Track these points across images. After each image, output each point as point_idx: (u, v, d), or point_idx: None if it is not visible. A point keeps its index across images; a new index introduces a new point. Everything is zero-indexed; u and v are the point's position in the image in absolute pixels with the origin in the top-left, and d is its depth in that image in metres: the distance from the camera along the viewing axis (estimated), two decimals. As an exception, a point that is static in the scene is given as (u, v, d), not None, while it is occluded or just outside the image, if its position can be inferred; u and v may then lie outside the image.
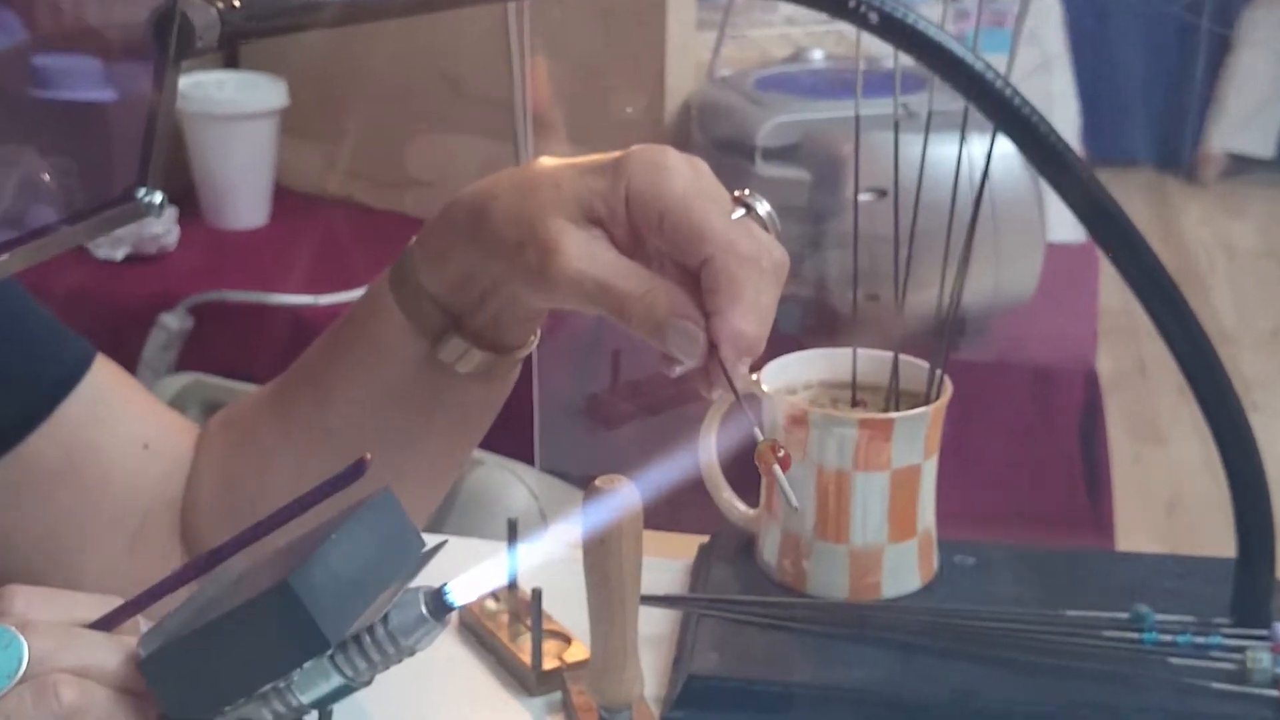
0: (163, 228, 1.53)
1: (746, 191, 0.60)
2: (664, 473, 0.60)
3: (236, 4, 0.58)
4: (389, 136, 1.57)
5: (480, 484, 1.23)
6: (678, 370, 0.58)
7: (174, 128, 1.51)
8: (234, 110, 1.58)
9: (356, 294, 0.70)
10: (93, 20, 0.60)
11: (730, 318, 0.56)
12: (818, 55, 1.50)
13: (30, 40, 0.59)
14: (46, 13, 0.59)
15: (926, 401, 0.81)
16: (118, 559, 0.70)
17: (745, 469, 0.89)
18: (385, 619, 0.48)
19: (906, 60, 0.70)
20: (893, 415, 0.80)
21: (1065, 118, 1.61)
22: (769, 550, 0.83)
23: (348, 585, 0.47)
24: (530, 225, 0.59)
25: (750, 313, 0.56)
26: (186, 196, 1.59)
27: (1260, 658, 0.73)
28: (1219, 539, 0.80)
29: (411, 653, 0.49)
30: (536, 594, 0.76)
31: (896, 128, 0.81)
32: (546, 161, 0.61)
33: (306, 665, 0.47)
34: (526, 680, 0.77)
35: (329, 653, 0.48)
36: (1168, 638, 0.75)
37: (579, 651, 0.77)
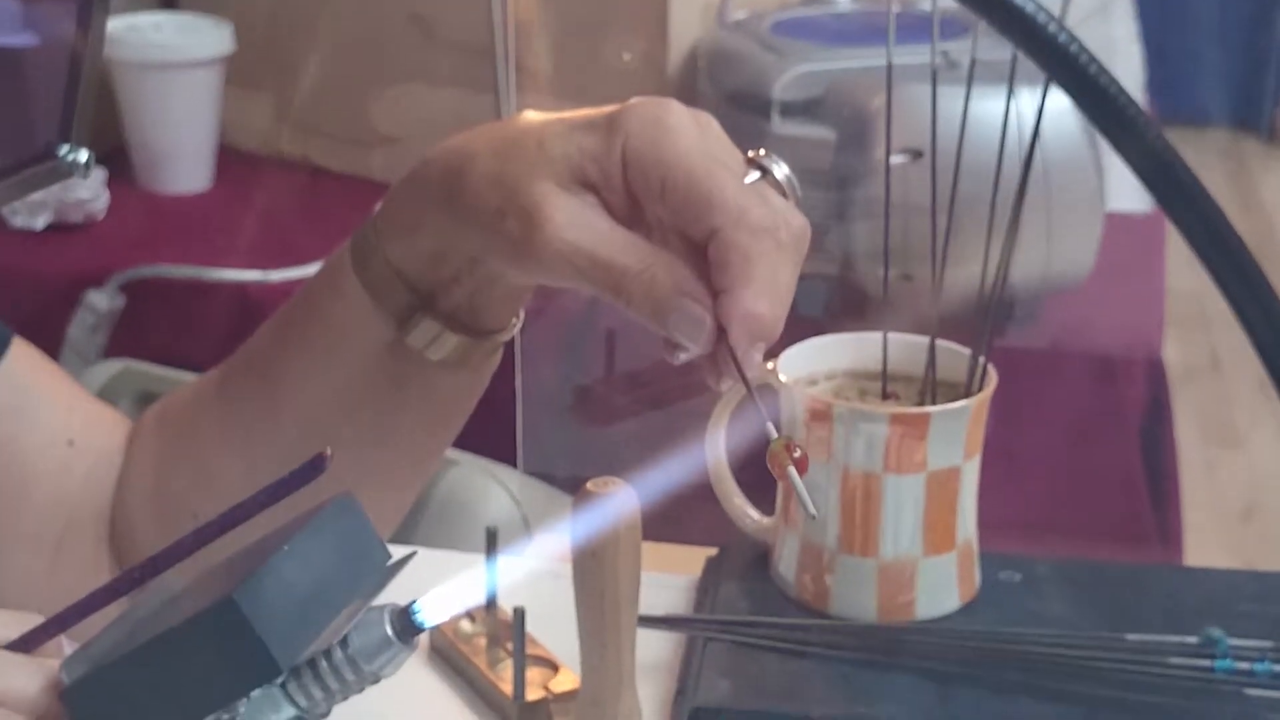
0: (89, 192, 1.53)
1: (761, 152, 0.59)
2: (666, 475, 0.60)
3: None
4: (350, 88, 1.57)
5: (455, 488, 1.23)
6: (682, 358, 0.58)
7: (103, 77, 1.51)
8: (172, 57, 1.58)
9: (312, 269, 0.70)
10: (7, -50, 0.60)
11: (741, 297, 0.55)
12: (844, -4, 1.50)
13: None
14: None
15: (967, 394, 0.81)
16: (37, 571, 0.70)
17: (759, 471, 0.89)
18: (344, 641, 0.48)
19: (946, 2, 0.70)
20: (929, 409, 0.80)
21: (1127, 69, 1.61)
22: (786, 564, 0.83)
23: (302, 602, 0.47)
24: (512, 190, 0.58)
25: (765, 292, 0.56)
26: (117, 157, 1.59)
27: (1349, 689, 0.73)
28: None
29: (375, 680, 0.49)
30: (519, 614, 0.76)
31: (935, 79, 0.81)
32: (531, 116, 0.60)
33: (254, 694, 0.47)
34: (507, 713, 0.77)
35: (280, 680, 0.47)
36: (1243, 665, 0.75)
37: (567, 680, 0.77)
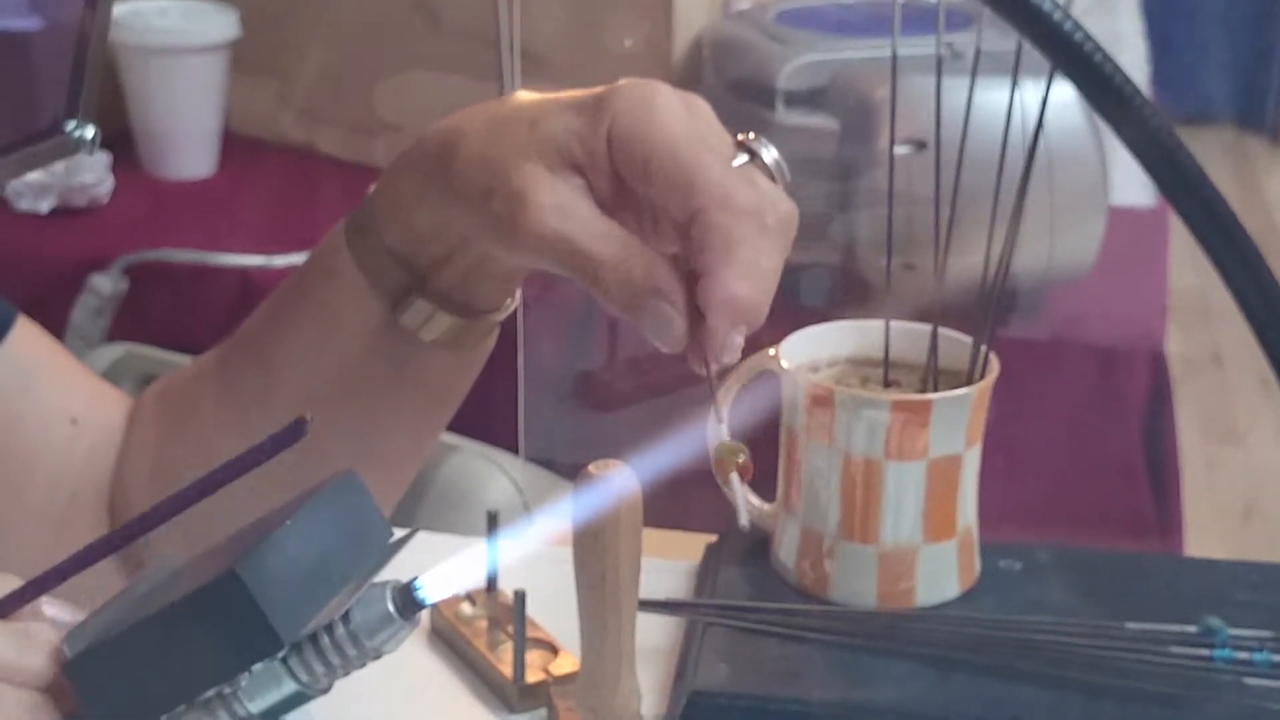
0: (94, 176, 1.53)
1: (751, 136, 0.59)
2: (667, 459, 0.60)
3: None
4: (355, 75, 1.57)
5: (456, 474, 1.23)
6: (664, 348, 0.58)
7: (108, 62, 1.51)
8: (177, 42, 1.58)
9: (316, 253, 0.70)
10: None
11: (722, 279, 0.55)
12: (850, -14, 1.49)
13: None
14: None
15: (969, 382, 0.82)
16: (41, 546, 0.70)
17: (761, 456, 0.89)
18: (346, 617, 0.48)
19: (951, -10, 0.70)
20: (930, 396, 0.80)
21: (1132, 63, 1.61)
22: (786, 551, 0.84)
23: (304, 577, 0.47)
24: (499, 170, 0.58)
25: (746, 275, 0.55)
26: (122, 142, 1.59)
27: (1347, 679, 0.73)
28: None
29: (376, 655, 0.49)
30: (519, 596, 0.76)
31: (939, 70, 0.81)
32: (524, 96, 0.60)
33: (256, 668, 0.47)
34: (507, 695, 0.77)
35: (281, 654, 0.48)
36: (1242, 655, 0.75)
37: (567, 663, 0.77)
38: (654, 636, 0.81)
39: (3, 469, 0.70)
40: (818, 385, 0.81)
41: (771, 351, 0.82)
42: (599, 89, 0.59)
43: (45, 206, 1.52)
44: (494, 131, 0.59)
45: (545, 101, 0.59)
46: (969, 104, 0.81)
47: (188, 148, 1.61)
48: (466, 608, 0.82)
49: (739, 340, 0.56)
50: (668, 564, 0.85)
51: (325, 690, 0.49)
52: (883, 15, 1.33)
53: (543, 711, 0.77)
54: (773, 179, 0.58)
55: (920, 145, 1.12)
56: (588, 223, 0.57)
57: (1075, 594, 0.82)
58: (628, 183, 0.58)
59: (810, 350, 0.84)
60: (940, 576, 0.82)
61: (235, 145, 1.63)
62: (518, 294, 0.67)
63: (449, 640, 0.82)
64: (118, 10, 1.57)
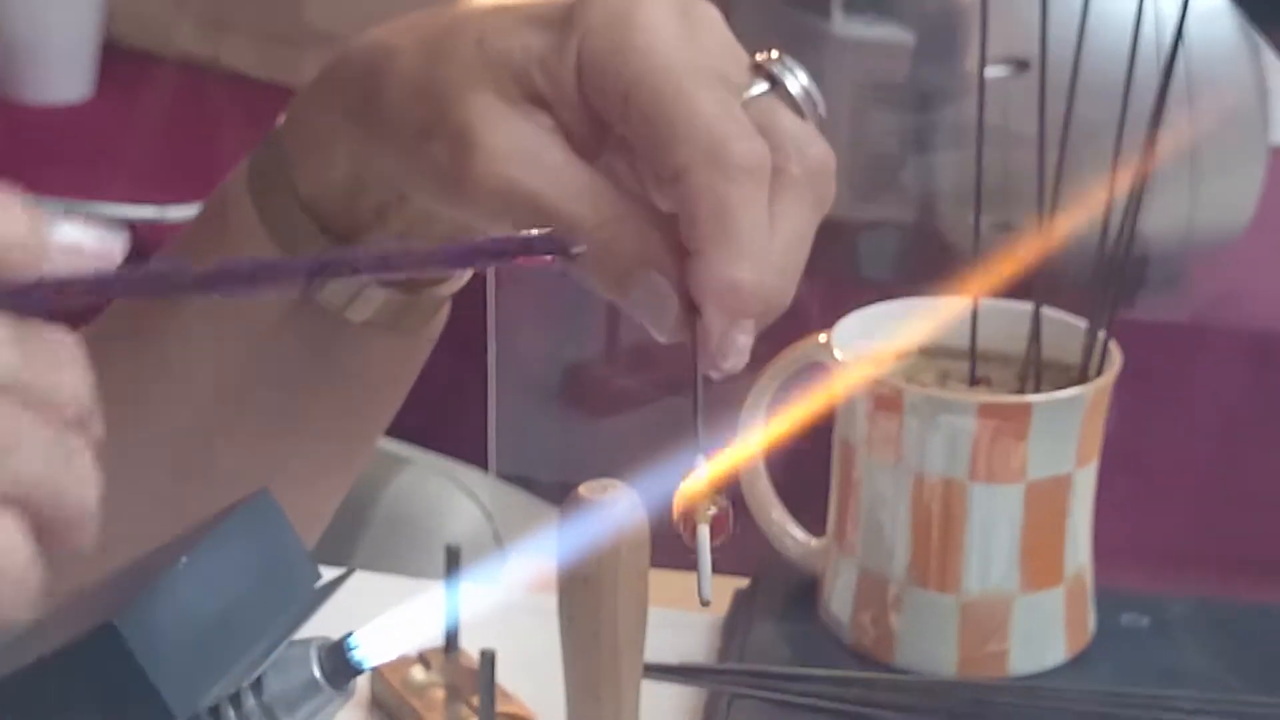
0: (-68, 101, 1.54)
1: (772, 55, 0.59)
2: (680, 480, 0.60)
3: None
4: (276, -31, 1.57)
5: (406, 496, 1.24)
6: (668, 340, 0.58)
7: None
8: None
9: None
10: None
11: (714, 261, 0.54)
12: None
13: None
14: None
15: (1082, 379, 0.82)
16: None
17: (807, 476, 0.90)
18: (259, 684, 0.48)
19: None
20: (1031, 398, 0.80)
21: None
22: (840, 601, 0.84)
23: (204, 631, 0.47)
24: (439, 102, 0.58)
25: (746, 253, 0.54)
26: (-30, 56, 1.60)
27: None
28: None
29: (298, 736, 0.49)
30: (487, 658, 0.76)
31: (1045, -36, 0.82)
32: (472, 3, 0.60)
33: (140, 750, 0.48)
34: (470, 788, 0.78)
35: (174, 732, 0.48)
36: None
37: (550, 746, 0.78)
38: (664, 711, 0.81)
39: None
40: (882, 383, 0.81)
41: (821, 338, 0.82)
42: None
43: None
44: (433, 49, 0.58)
45: (499, 11, 0.59)
46: (1084, 11, 0.81)
47: (56, 64, 1.61)
48: (418, 673, 0.82)
49: (743, 340, 0.56)
50: (683, 616, 0.85)
51: (231, 780, 0.49)
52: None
53: (517, 810, 0.77)
54: (800, 114, 0.58)
55: (1021, 66, 1.12)
56: (556, 172, 0.56)
57: (1220, 660, 0.82)
58: (607, 121, 0.58)
59: (873, 337, 0.84)
60: (1042, 636, 0.82)
61: (119, 61, 1.64)
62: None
63: (395, 715, 0.82)
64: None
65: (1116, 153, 0.82)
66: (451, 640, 0.82)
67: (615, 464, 0.63)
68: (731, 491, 0.63)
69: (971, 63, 1.26)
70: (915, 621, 0.81)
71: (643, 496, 0.63)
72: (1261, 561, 1.25)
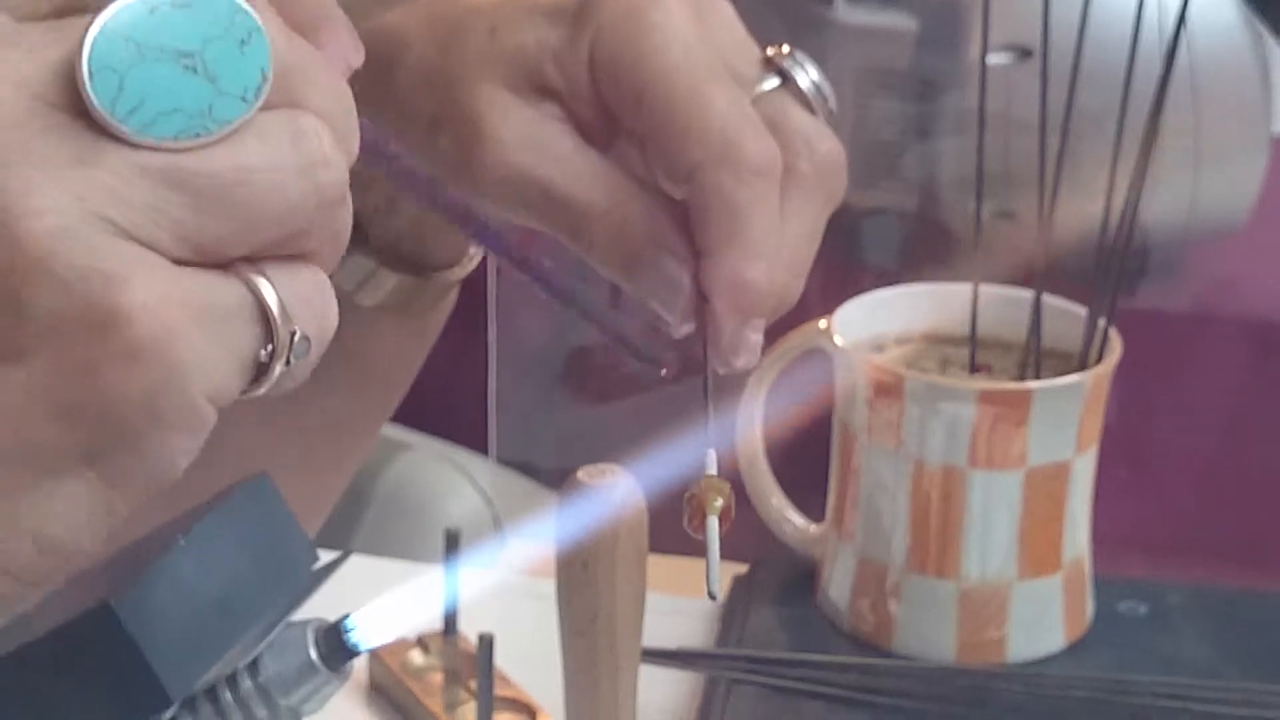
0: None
1: (784, 50, 0.59)
2: (681, 465, 0.60)
3: None
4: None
5: (407, 480, 1.24)
6: (683, 330, 0.58)
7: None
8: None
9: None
10: None
11: (725, 261, 0.55)
12: None
13: None
14: None
15: (1082, 366, 0.82)
16: None
17: (805, 463, 0.90)
18: (255, 665, 0.48)
19: None
20: (1031, 385, 0.80)
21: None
22: (838, 587, 0.84)
23: (200, 614, 0.47)
24: (449, 93, 0.58)
25: (759, 253, 0.55)
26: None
27: None
28: None
29: (294, 718, 0.49)
30: (485, 642, 0.76)
31: (1047, -49, 0.82)
32: None
33: (137, 731, 0.48)
34: (468, 772, 0.78)
35: (170, 714, 0.48)
36: None
37: (548, 730, 0.78)
38: (662, 697, 0.81)
39: None
40: (882, 369, 0.81)
41: (822, 324, 0.82)
42: None
43: None
44: (444, 40, 0.59)
45: (512, 1, 0.59)
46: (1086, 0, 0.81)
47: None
48: (416, 656, 0.82)
49: (755, 338, 0.56)
50: (681, 602, 0.85)
51: (227, 762, 0.49)
52: (976, -119, 1.33)
53: (515, 793, 0.77)
54: (810, 110, 0.58)
55: (1023, 53, 1.12)
56: (566, 161, 0.57)
57: (1218, 648, 0.82)
58: (619, 117, 0.58)
59: (874, 323, 0.84)
60: (1040, 623, 0.82)
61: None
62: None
63: (393, 698, 0.82)
64: None
65: (1118, 141, 0.82)
66: (450, 624, 0.82)
67: (615, 449, 0.63)
68: (731, 477, 0.63)
69: (974, 50, 1.26)
70: (914, 608, 0.82)
71: (641, 482, 0.63)
72: (1260, 549, 1.25)
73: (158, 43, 0.38)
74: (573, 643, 0.67)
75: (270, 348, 0.39)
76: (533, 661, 0.78)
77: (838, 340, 0.81)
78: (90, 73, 0.37)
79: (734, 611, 0.86)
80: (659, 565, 0.69)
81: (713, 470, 0.54)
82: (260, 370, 0.39)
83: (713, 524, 0.53)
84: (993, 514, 0.80)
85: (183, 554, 0.48)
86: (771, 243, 0.55)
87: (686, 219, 0.57)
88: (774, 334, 0.84)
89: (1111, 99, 0.82)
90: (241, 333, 0.39)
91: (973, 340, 0.84)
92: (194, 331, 0.38)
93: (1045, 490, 0.81)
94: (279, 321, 0.39)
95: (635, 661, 0.67)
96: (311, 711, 0.49)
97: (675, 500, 0.61)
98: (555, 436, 1.26)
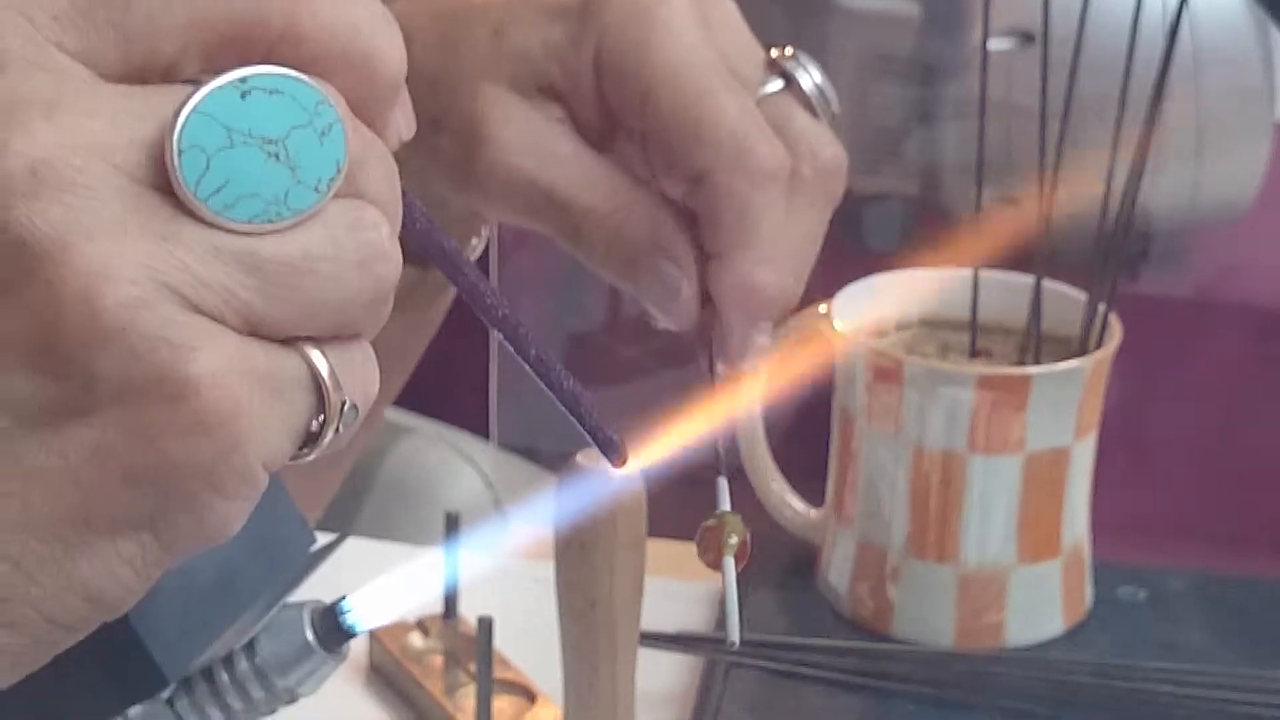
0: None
1: (788, 52, 0.59)
2: (681, 449, 0.60)
3: None
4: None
5: (408, 464, 1.24)
6: (661, 325, 0.58)
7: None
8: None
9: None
10: None
11: (736, 264, 0.56)
12: None
13: None
14: None
15: (1082, 351, 0.82)
16: None
17: (806, 448, 0.90)
18: (251, 646, 0.48)
19: None
20: (1030, 370, 0.80)
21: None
22: (837, 571, 0.84)
23: (197, 594, 0.47)
24: (452, 93, 0.58)
25: (768, 257, 0.56)
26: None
27: None
28: None
29: (291, 699, 0.49)
30: (485, 625, 0.76)
31: (1049, -64, 0.81)
32: None
33: (134, 712, 0.48)
34: (467, 754, 0.78)
35: (167, 694, 0.48)
36: None
37: (546, 713, 0.78)
38: (661, 680, 0.81)
39: None
40: (882, 354, 0.81)
41: (822, 308, 0.82)
42: None
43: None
44: (448, 39, 0.59)
45: (516, 1, 0.59)
46: (1088, -16, 0.81)
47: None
48: (416, 639, 0.82)
49: (761, 340, 0.56)
50: (680, 586, 0.85)
51: (225, 743, 0.49)
52: None
53: (514, 776, 0.77)
54: (813, 113, 0.58)
55: (1025, 38, 1.12)
56: (567, 164, 0.57)
57: (1216, 633, 0.82)
58: (622, 117, 0.58)
59: (874, 307, 0.84)
60: (1039, 607, 0.82)
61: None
62: (485, 233, 0.67)
63: (393, 681, 0.82)
64: None
65: (1119, 127, 0.82)
66: (450, 606, 0.82)
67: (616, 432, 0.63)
68: (731, 462, 0.63)
69: (976, 35, 1.26)
70: (913, 592, 0.82)
71: (641, 465, 0.63)
72: (1259, 535, 1.25)
73: (247, 127, 0.38)
74: (572, 626, 0.67)
75: (322, 417, 0.40)
76: (532, 645, 0.78)
77: (838, 325, 0.81)
78: (179, 151, 0.37)
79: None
80: (658, 549, 0.69)
81: (726, 504, 0.54)
82: (311, 437, 0.40)
83: (729, 565, 0.53)
84: (992, 499, 0.80)
85: (179, 534, 0.48)
86: (781, 246, 0.56)
87: (686, 222, 0.57)
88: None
89: (1113, 85, 0.81)
90: (298, 403, 0.39)
91: (973, 325, 0.84)
92: (256, 402, 0.38)
93: (1044, 475, 0.81)
94: (331, 392, 0.40)
95: (634, 645, 0.67)
96: (309, 692, 0.49)
97: (674, 486, 0.61)
98: (556, 420, 1.26)
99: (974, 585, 0.81)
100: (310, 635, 0.48)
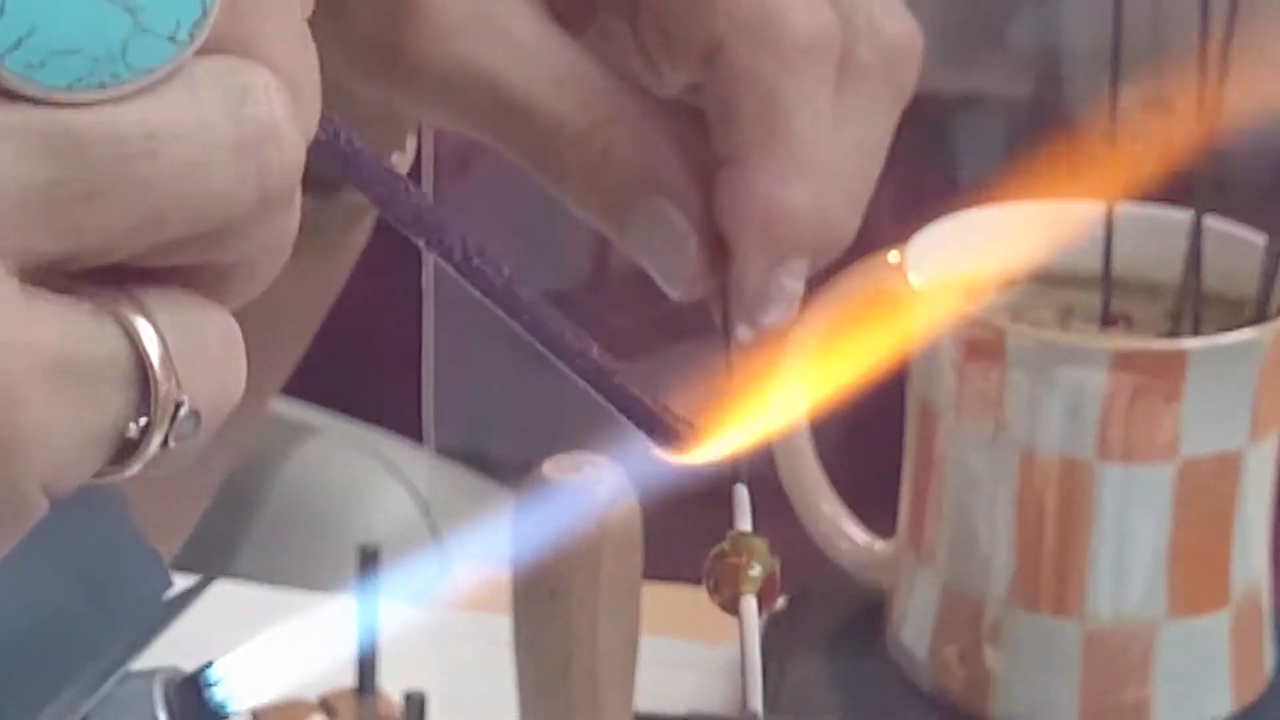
0: None
1: None
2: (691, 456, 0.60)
3: None
4: None
5: (309, 476, 1.24)
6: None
7: None
8: None
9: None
10: None
11: (756, 175, 0.55)
12: None
13: None
14: None
15: (1261, 318, 0.82)
16: None
17: (869, 455, 0.90)
18: (83, 730, 0.49)
19: None
20: (1186, 344, 0.80)
21: None
22: (915, 628, 0.84)
23: (7, 659, 0.48)
24: None
25: (803, 168, 0.55)
26: None
27: None
28: None
29: (136, 806, 0.49)
30: (415, 703, 0.77)
31: None
32: None
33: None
34: None
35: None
36: None
37: (503, 829, 0.78)
38: (665, 782, 0.82)
39: None
40: (977, 323, 0.81)
41: (892, 258, 0.82)
42: None
43: None
44: None
45: None
46: None
47: None
48: (318, 722, 0.83)
49: (791, 286, 0.56)
50: (692, 649, 0.86)
51: None
52: None
53: None
54: None
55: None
56: (527, 51, 0.57)
57: None
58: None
59: (965, 256, 0.84)
60: (1199, 678, 0.82)
61: None
62: (411, 147, 0.67)
63: (286, 783, 0.83)
64: None
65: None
66: (366, 677, 0.83)
67: (590, 434, 0.63)
68: (766, 474, 0.63)
69: None
70: (1021, 658, 0.82)
71: (632, 477, 0.63)
72: None
73: None
74: (537, 703, 0.67)
75: (144, 421, 0.38)
76: (481, 731, 0.78)
77: (913, 280, 0.81)
78: None
79: (767, 662, 0.86)
80: (658, 595, 0.69)
81: (747, 522, 0.53)
82: (126, 448, 0.38)
83: (750, 607, 0.52)
84: (1132, 526, 0.81)
85: (-15, 575, 0.48)
86: (821, 154, 0.56)
87: (695, 140, 0.57)
88: (827, 274, 0.85)
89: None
90: (107, 399, 0.37)
91: (1106, 280, 0.84)
92: (35, 392, 0.36)
93: (1207, 493, 0.81)
94: (160, 384, 0.38)
95: (624, 730, 0.68)
96: (161, 799, 0.50)
97: (680, 507, 0.61)
98: (511, 419, 1.26)
99: (1107, 648, 0.81)
100: (162, 715, 0.49)
